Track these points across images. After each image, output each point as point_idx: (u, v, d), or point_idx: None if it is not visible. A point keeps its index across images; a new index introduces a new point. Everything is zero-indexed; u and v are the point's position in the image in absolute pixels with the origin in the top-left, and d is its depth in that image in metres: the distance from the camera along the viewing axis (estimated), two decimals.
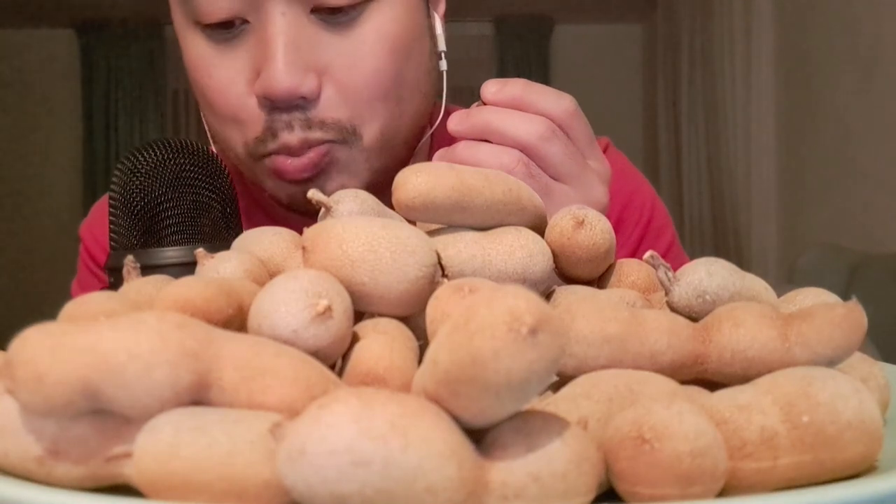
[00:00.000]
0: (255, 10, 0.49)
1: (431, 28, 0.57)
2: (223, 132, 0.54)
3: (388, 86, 0.52)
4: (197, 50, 0.52)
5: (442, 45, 0.57)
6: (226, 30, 0.50)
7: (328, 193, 0.52)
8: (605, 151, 0.66)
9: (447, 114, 0.68)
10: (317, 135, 0.50)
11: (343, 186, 0.52)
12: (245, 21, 0.50)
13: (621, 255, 0.63)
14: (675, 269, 0.28)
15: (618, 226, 0.64)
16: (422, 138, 0.59)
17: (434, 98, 0.58)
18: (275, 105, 0.49)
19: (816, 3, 2.46)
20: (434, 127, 0.59)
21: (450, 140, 0.66)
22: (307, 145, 0.50)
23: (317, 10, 0.49)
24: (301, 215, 0.56)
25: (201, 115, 0.57)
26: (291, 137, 0.50)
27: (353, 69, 0.50)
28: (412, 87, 0.54)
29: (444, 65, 0.58)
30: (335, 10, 0.49)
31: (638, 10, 3.72)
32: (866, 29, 2.20)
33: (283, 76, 0.48)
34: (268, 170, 0.53)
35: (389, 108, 0.53)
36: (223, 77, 0.51)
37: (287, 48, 0.48)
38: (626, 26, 3.87)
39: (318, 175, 0.52)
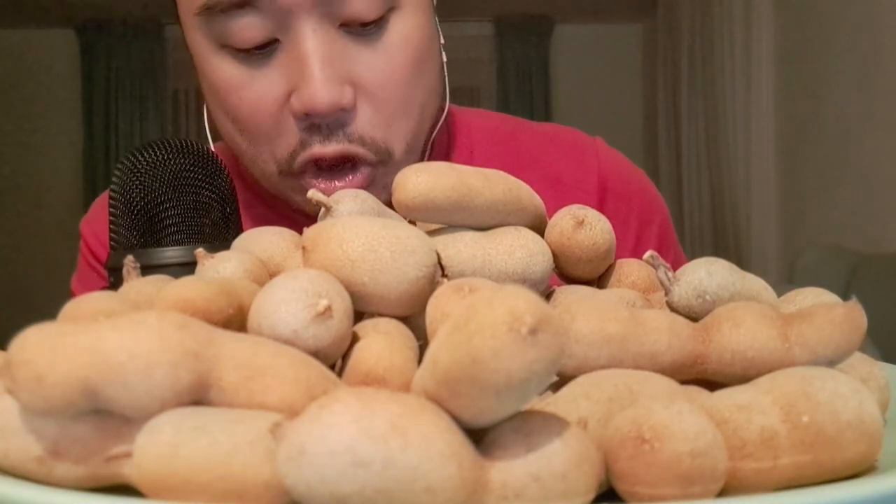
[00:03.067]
0: (285, 29, 0.49)
1: (436, 22, 0.57)
2: (252, 152, 0.54)
3: (415, 96, 0.52)
4: (225, 73, 0.51)
5: (441, 37, 0.58)
6: (258, 51, 0.50)
7: None
8: (598, 151, 0.67)
9: (449, 113, 0.68)
10: (355, 149, 0.51)
11: None
12: (276, 41, 0.50)
13: (629, 238, 0.64)
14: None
15: (619, 204, 0.65)
16: (433, 134, 0.59)
17: (442, 94, 0.58)
18: (314, 122, 0.49)
19: (816, 3, 2.46)
20: (439, 126, 0.60)
21: (448, 139, 0.66)
22: (342, 158, 0.51)
23: (345, 25, 0.50)
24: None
25: (206, 121, 0.57)
26: (325, 149, 0.50)
27: (383, 81, 0.51)
28: (432, 89, 0.55)
29: (444, 56, 0.58)
30: (364, 23, 0.50)
31: (638, 10, 3.72)
32: (866, 29, 2.20)
33: (324, 91, 0.48)
34: (301, 189, 0.52)
35: (415, 120, 0.53)
36: (254, 97, 0.51)
37: (323, 63, 0.48)
38: (626, 26, 3.87)
39: None
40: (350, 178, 0.51)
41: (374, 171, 0.52)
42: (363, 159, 0.51)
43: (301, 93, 0.48)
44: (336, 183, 0.51)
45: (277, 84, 0.50)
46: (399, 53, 0.51)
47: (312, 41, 0.48)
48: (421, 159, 0.63)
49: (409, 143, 0.54)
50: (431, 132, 0.59)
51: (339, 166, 0.51)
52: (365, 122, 0.51)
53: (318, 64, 0.48)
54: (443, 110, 0.59)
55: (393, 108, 0.51)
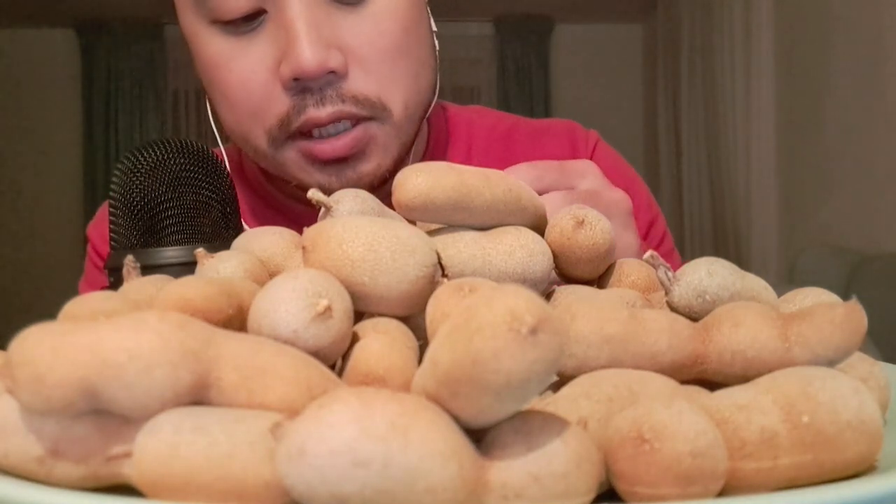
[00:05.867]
0: None
1: (426, 5, 0.58)
2: (244, 128, 0.54)
3: (405, 60, 0.53)
4: (214, 48, 0.52)
5: (431, 21, 0.59)
6: (246, 23, 0.51)
7: (364, 174, 0.53)
8: (594, 146, 0.68)
9: (447, 110, 0.68)
10: (350, 109, 0.51)
11: (378, 167, 0.54)
12: (263, 11, 0.51)
13: None
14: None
15: None
16: (428, 112, 0.60)
17: (437, 73, 0.59)
18: (305, 85, 0.50)
19: (816, 3, 2.46)
20: (433, 105, 0.60)
21: (446, 135, 0.66)
22: (337, 118, 0.51)
23: None
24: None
25: (212, 118, 0.57)
26: (320, 112, 0.51)
27: (371, 45, 0.51)
28: (423, 61, 0.56)
29: (436, 43, 0.59)
30: None
31: (638, 10, 3.72)
32: (866, 29, 2.20)
33: (311, 53, 0.49)
34: (295, 155, 0.53)
35: (409, 82, 0.54)
36: (244, 69, 0.52)
37: (309, 28, 0.49)
38: (626, 26, 3.87)
39: (354, 156, 0.52)
40: (346, 136, 0.51)
41: (371, 125, 0.52)
42: (358, 116, 0.52)
43: (289, 58, 0.49)
44: (337, 140, 0.51)
45: (266, 55, 0.51)
46: (385, 21, 0.52)
47: (298, 7, 0.49)
48: (421, 158, 0.63)
49: (408, 104, 0.54)
50: (428, 107, 0.59)
51: (334, 126, 0.52)
52: (357, 82, 0.51)
53: (303, 27, 0.49)
54: (435, 88, 0.59)
55: (386, 70, 0.52)
